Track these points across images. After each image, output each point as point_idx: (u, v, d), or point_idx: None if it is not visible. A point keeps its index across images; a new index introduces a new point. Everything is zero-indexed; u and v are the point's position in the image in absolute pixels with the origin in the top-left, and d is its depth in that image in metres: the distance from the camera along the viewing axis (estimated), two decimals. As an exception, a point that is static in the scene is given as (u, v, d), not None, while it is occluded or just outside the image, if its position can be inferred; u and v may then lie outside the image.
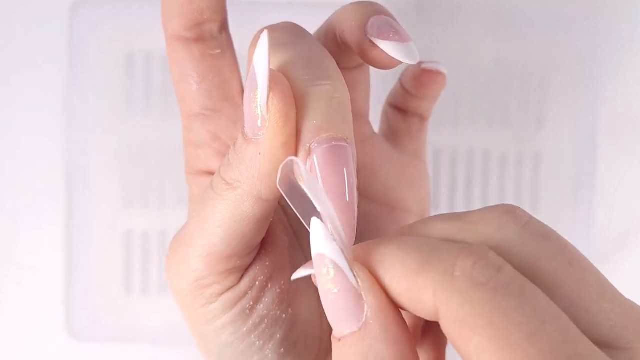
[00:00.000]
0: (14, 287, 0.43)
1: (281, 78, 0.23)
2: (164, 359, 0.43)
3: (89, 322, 0.43)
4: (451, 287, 0.20)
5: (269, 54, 0.22)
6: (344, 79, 0.25)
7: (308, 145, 0.23)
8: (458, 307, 0.20)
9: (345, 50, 0.29)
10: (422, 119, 0.36)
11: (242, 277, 0.27)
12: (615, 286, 0.22)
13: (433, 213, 0.43)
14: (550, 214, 0.43)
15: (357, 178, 0.25)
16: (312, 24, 0.27)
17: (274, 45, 0.24)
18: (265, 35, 0.22)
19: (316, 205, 0.22)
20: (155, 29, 0.42)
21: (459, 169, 0.42)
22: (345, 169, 0.23)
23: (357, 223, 0.24)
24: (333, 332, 0.22)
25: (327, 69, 0.25)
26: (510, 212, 0.23)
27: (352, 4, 0.28)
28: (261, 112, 0.23)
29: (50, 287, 0.43)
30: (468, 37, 0.42)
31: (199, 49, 0.28)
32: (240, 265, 0.27)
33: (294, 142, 0.24)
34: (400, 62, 0.27)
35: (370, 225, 0.32)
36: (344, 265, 0.21)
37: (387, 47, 0.27)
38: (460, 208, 0.43)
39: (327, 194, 0.23)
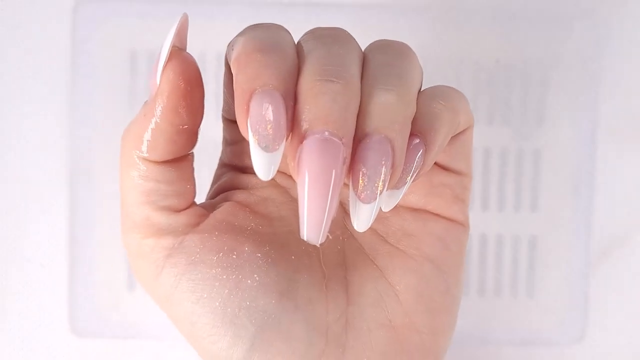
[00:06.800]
0: (17, 284, 0.43)
1: (185, 57, 0.25)
2: (167, 356, 0.43)
3: (92, 318, 0.43)
4: None
5: (176, 34, 0.25)
6: None
7: (302, 132, 0.23)
8: None
9: None
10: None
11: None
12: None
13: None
14: (549, 212, 0.43)
15: None
16: (313, 25, 0.27)
17: (319, 37, 0.26)
18: (182, 18, 0.25)
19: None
20: (158, 28, 0.42)
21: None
22: (334, 168, 0.23)
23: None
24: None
25: (347, 72, 0.24)
26: None
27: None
28: (157, 79, 0.25)
29: (54, 284, 0.43)
30: (469, 35, 0.42)
31: None
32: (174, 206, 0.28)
33: (182, 116, 0.25)
34: None
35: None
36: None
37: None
38: (461, 205, 0.43)
39: (309, 185, 0.23)
